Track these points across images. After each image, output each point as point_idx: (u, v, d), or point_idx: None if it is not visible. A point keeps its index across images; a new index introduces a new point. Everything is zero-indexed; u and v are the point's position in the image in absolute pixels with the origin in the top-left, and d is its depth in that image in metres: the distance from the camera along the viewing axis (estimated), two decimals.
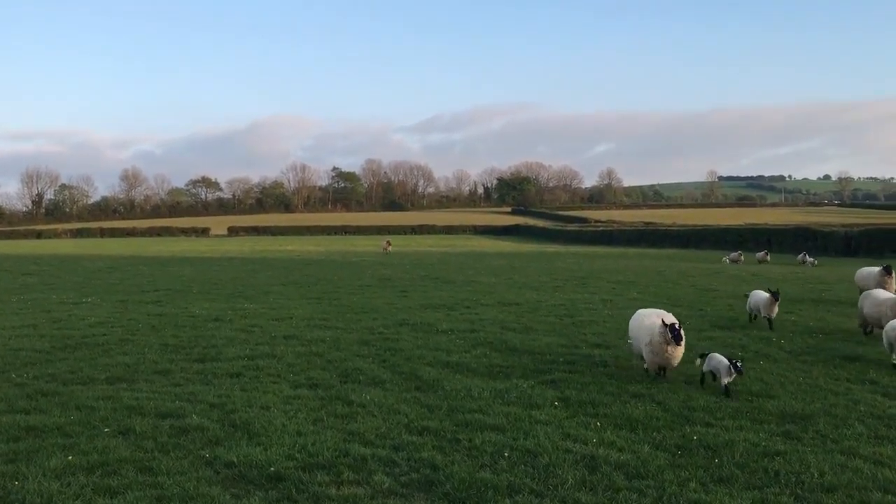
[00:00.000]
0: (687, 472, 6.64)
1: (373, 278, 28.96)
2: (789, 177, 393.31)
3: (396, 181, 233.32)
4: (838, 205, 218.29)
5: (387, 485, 6.46)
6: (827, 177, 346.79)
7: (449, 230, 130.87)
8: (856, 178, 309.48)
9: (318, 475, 6.66)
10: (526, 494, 6.20)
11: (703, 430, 7.92)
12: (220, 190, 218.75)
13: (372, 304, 19.44)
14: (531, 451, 7.24)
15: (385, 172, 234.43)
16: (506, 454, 7.14)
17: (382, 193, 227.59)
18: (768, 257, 45.47)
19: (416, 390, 9.84)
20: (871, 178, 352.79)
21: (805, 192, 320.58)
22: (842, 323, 15.75)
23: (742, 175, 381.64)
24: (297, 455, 7.16)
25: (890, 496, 6.04)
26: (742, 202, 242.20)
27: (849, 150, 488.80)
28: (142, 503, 6.12)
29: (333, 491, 6.34)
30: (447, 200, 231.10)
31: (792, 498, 6.06)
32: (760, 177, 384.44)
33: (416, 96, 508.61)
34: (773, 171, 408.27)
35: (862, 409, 8.72)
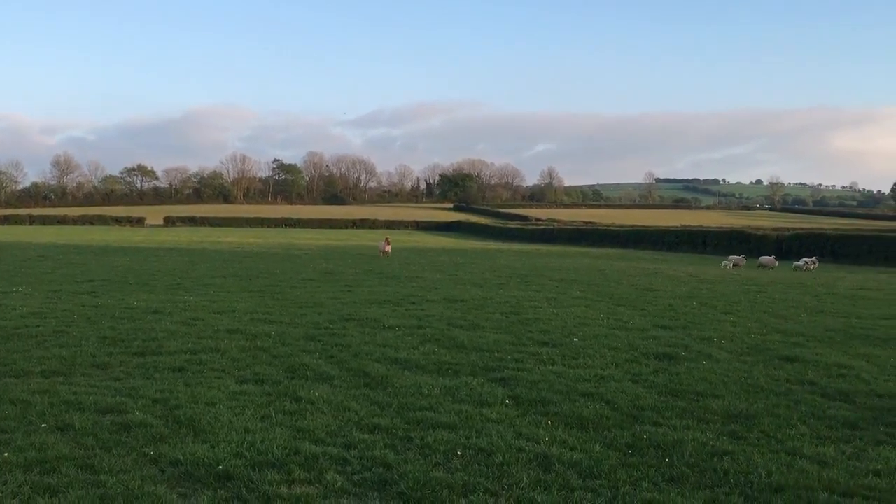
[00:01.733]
0: (639, 472, 6.70)
1: (315, 272, 28.63)
2: (723, 180, 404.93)
3: (338, 175, 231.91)
4: (769, 209, 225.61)
5: (339, 484, 6.35)
6: (759, 181, 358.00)
7: (391, 225, 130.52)
8: (786, 183, 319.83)
9: (269, 474, 6.50)
10: (481, 494, 6.16)
11: (653, 429, 8.00)
12: (157, 179, 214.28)
13: (316, 299, 19.19)
14: (484, 449, 7.20)
15: (327, 165, 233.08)
16: (459, 453, 7.09)
17: (324, 187, 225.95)
18: (776, 263, 41.33)
19: (366, 387, 9.72)
20: (801, 183, 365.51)
21: (738, 196, 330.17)
22: (778, 324, 16.16)
23: (678, 178, 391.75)
24: (246, 453, 6.97)
25: (836, 496, 6.18)
26: (678, 204, 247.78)
27: (779, 156, 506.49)
28: (84, 502, 5.88)
29: (285, 490, 6.19)
30: (389, 195, 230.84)
31: (742, 498, 6.15)
32: (696, 180, 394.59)
33: (356, 90, 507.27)
34: (708, 175, 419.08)
35: (803, 409, 8.93)
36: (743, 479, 6.56)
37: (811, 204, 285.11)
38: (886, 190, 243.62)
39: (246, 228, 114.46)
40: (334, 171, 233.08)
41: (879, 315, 18.17)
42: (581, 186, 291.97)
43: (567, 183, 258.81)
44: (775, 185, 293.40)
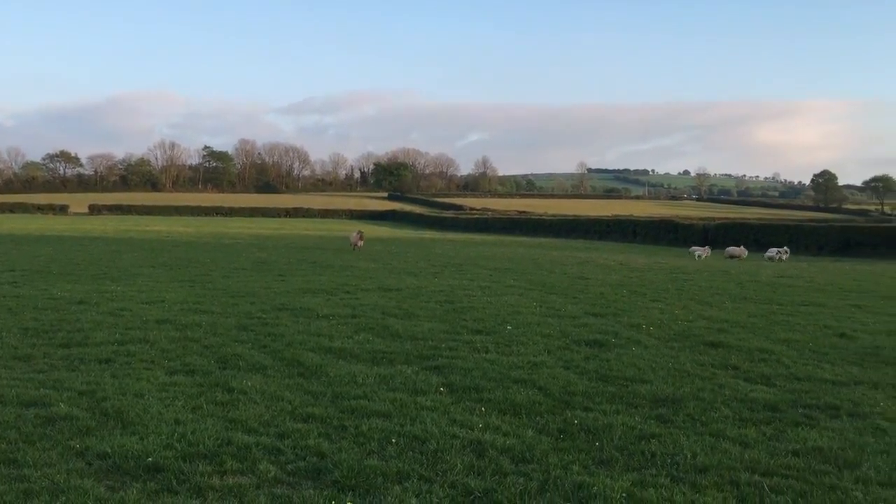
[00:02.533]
0: (570, 456, 6.84)
1: (248, 261, 28.22)
2: (652, 171, 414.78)
3: (271, 163, 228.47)
4: (697, 199, 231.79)
5: (273, 473, 6.30)
6: (686, 172, 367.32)
7: (325, 214, 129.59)
8: (712, 174, 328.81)
9: (200, 465, 6.41)
10: (415, 480, 6.20)
11: (583, 414, 8.17)
12: (81, 165, 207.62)
13: (249, 288, 18.93)
14: (418, 437, 7.24)
15: (259, 153, 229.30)
16: (393, 440, 7.12)
17: (256, 175, 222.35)
18: (746, 253, 40.87)
19: (299, 376, 9.65)
20: (726, 174, 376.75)
21: (667, 187, 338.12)
22: (703, 311, 16.64)
23: (610, 168, 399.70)
24: (177, 444, 6.86)
25: (756, 476, 6.43)
26: (609, 194, 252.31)
27: (704, 148, 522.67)
28: (7, 497, 5.70)
29: (217, 481, 6.12)
30: (323, 184, 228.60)
31: (668, 479, 6.34)
32: (626, 170, 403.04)
33: (288, 77, 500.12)
34: (638, 165, 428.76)
35: (727, 392, 9.24)
36: (669, 460, 6.77)
37: (736, 194, 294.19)
38: (807, 181, 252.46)
39: (175, 217, 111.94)
40: (267, 159, 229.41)
41: (799, 301, 18.89)
42: (515, 176, 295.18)
43: (501, 173, 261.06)
44: (702, 176, 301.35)
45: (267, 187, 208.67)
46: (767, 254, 40.24)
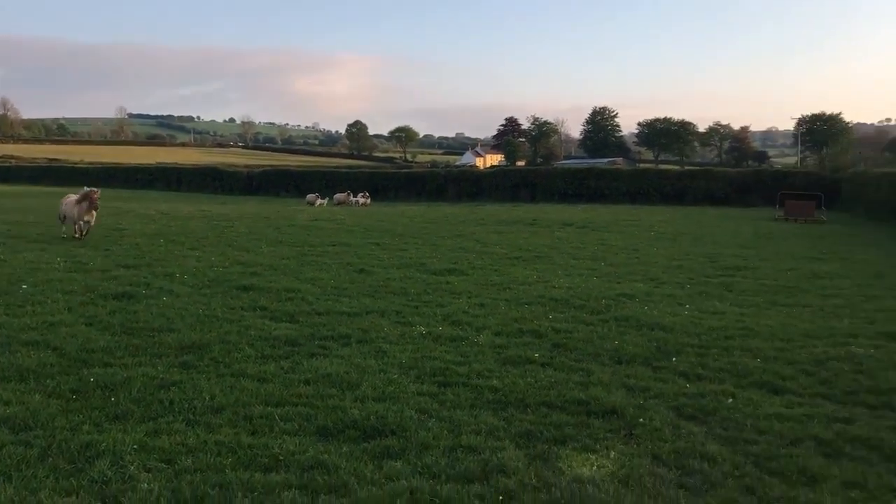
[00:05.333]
0: (81, 416, 6.49)
1: None
2: (198, 118, 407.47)
3: None
4: (242, 147, 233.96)
5: None
6: (232, 120, 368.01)
7: None
8: (257, 122, 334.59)
9: None
10: None
11: (102, 370, 7.79)
12: None
13: None
14: None
15: None
16: None
17: None
18: (368, 200, 44.43)
19: None
20: (270, 123, 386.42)
21: (213, 134, 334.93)
22: (240, 256, 16.96)
23: (152, 114, 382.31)
24: None
25: (270, 408, 6.81)
26: (153, 141, 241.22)
27: (247, 95, 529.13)
28: None
29: None
30: None
31: (184, 423, 6.40)
32: (170, 116, 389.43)
33: None
34: (182, 112, 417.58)
35: (252, 333, 9.59)
36: (187, 405, 6.82)
37: (280, 142, 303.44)
38: (343, 130, 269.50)
39: None
40: None
41: (329, 242, 20.35)
42: (44, 120, 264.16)
43: (25, 115, 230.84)
44: (247, 124, 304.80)
45: None
46: (354, 198, 44.28)
